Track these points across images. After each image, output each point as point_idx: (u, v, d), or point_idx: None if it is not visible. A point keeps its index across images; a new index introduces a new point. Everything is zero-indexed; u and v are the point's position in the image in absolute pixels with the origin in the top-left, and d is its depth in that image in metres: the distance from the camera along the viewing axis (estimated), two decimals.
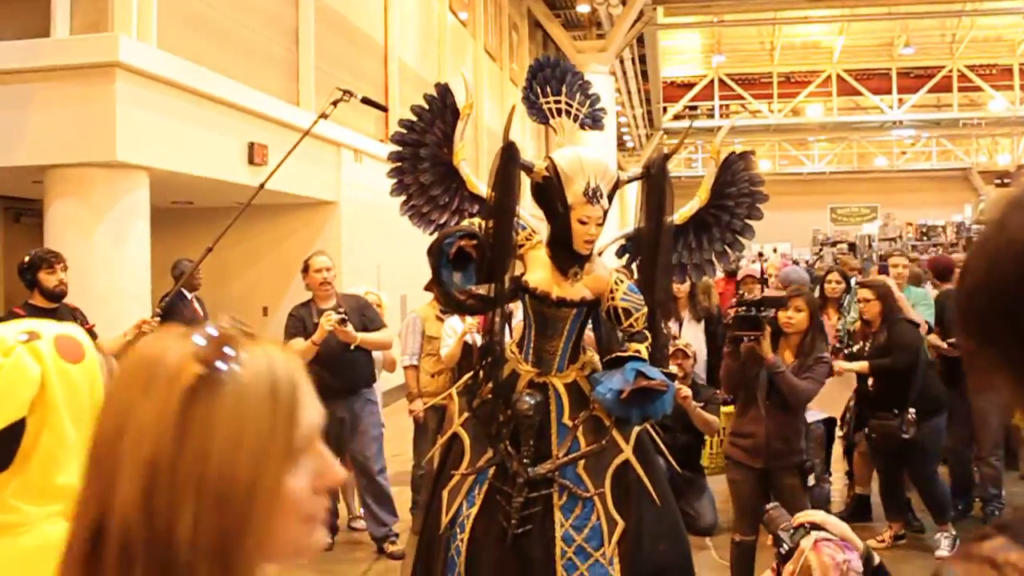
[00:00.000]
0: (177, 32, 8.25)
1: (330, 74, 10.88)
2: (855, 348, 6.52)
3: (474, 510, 3.95)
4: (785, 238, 31.46)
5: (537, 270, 4.05)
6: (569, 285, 4.01)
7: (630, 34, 20.31)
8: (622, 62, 22.76)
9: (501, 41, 20.57)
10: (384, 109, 5.84)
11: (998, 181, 20.69)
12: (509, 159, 3.89)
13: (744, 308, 5.20)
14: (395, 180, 4.43)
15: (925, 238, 19.70)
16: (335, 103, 4.94)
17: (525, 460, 3.90)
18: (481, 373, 4.11)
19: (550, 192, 3.96)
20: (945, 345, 6.72)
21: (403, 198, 4.43)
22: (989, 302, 0.99)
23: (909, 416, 6.04)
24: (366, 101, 5.75)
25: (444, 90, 4.32)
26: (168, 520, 0.90)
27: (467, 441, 4.08)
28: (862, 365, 6.21)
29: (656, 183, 4.03)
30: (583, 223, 3.88)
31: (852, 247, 21.40)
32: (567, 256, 4.00)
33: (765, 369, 5.18)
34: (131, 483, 0.91)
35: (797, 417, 5.39)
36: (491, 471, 3.97)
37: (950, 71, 30.96)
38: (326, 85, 9.87)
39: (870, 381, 6.31)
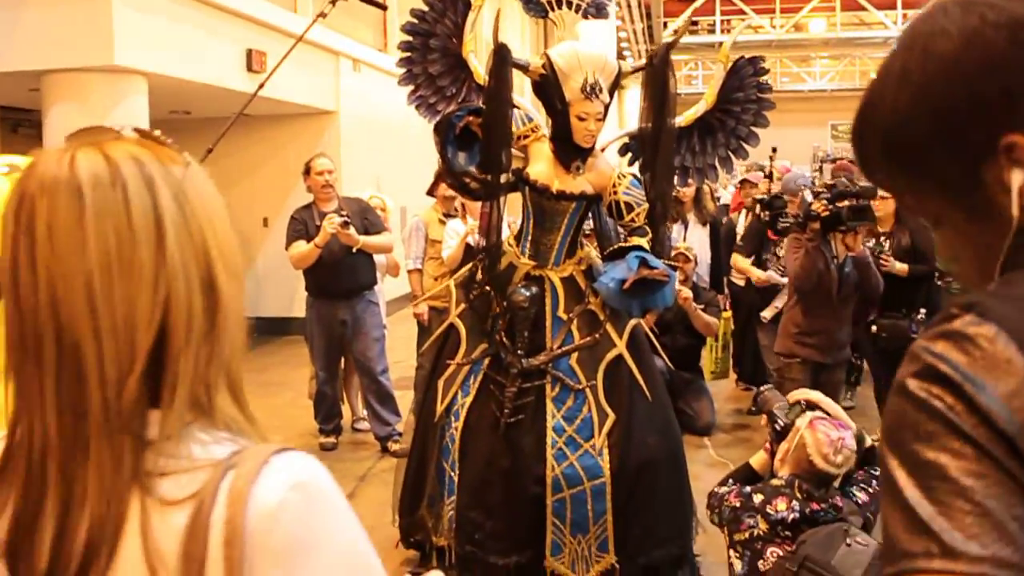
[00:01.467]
0: None
1: None
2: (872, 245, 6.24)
3: (469, 399, 4.03)
4: (785, 155, 31.26)
5: (539, 163, 4.05)
6: (571, 179, 4.02)
7: None
8: None
9: None
10: (383, 7, 5.76)
11: None
12: (501, 60, 3.85)
13: (851, 199, 5.17)
14: (404, 70, 4.40)
15: None
16: (333, 1, 4.87)
17: (519, 351, 3.94)
18: (479, 266, 4.13)
19: (548, 89, 3.94)
20: None
21: (410, 88, 4.41)
22: (931, 125, 0.96)
23: (919, 316, 6.04)
24: None
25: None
26: None
27: (463, 332, 4.13)
28: (903, 267, 6.05)
29: (658, 73, 3.98)
30: (582, 119, 3.88)
31: (852, 163, 21.33)
32: (569, 150, 4.00)
33: (858, 262, 5.29)
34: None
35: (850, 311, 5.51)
36: (486, 361, 4.04)
37: None
38: None
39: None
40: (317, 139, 11.01)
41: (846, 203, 5.14)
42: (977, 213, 0.97)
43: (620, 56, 26.70)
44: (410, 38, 4.36)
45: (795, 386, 5.31)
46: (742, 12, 31.58)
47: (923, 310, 6.07)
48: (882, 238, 6.21)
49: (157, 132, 1.04)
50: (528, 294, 3.95)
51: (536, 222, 4.07)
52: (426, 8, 4.30)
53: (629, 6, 26.09)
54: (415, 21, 4.31)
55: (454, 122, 3.83)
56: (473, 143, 3.91)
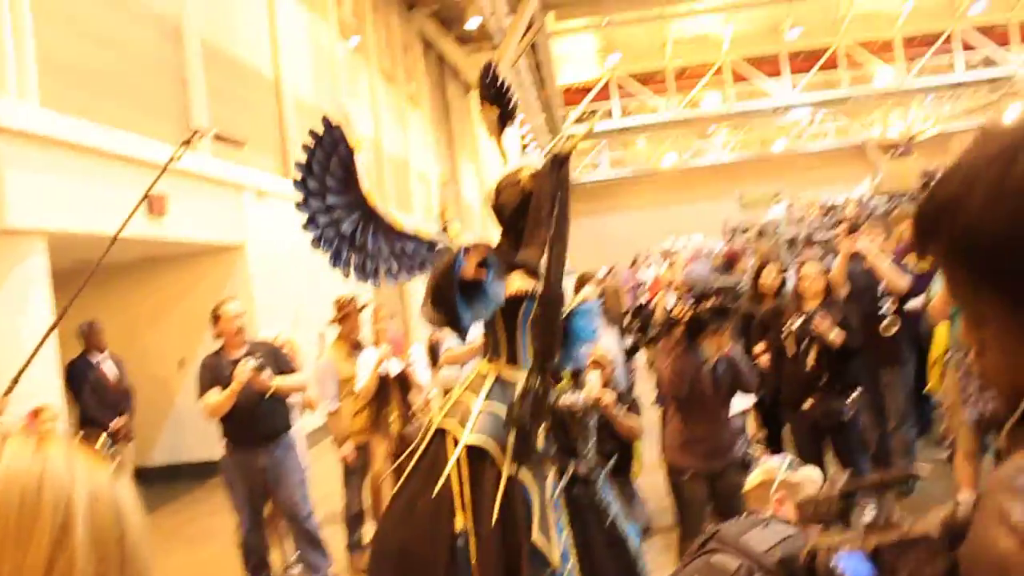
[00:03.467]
0: (59, 88, 8.05)
1: (222, 115, 10.73)
2: (796, 324, 6.27)
3: (565, 534, 3.88)
4: (697, 229, 31.88)
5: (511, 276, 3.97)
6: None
7: (522, 43, 20.41)
8: (518, 72, 22.86)
9: (395, 63, 20.50)
10: (241, 145, 5.72)
11: (891, 153, 21.24)
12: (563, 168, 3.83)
13: (711, 299, 5.15)
14: (314, 235, 4.14)
15: (829, 216, 20.11)
16: (186, 143, 4.83)
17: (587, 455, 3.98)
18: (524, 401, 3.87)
19: (526, 204, 3.92)
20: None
21: (330, 252, 4.17)
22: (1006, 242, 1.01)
23: (853, 395, 6.08)
24: (220, 138, 5.65)
25: (328, 125, 4.09)
26: None
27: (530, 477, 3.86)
28: (838, 334, 6.02)
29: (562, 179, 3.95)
30: None
31: (761, 232, 21.77)
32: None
33: (730, 360, 5.21)
34: None
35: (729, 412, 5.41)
36: (559, 486, 3.93)
37: (837, 49, 31.72)
38: (220, 125, 9.73)
39: (809, 360, 6.16)
40: (227, 273, 10.92)
41: (707, 304, 5.12)
42: None
43: (523, 150, 27.11)
44: (304, 200, 4.14)
45: (696, 504, 5.23)
46: (638, 95, 32.40)
47: (855, 390, 6.14)
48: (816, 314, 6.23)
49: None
50: (576, 399, 3.93)
51: (521, 330, 4.00)
52: (312, 144, 4.07)
53: (528, 101, 26.60)
54: (301, 178, 4.10)
55: (456, 274, 3.63)
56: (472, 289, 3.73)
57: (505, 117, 4.18)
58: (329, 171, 4.01)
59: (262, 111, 12.42)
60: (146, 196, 4.82)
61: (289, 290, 11.63)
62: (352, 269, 4.08)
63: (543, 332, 3.80)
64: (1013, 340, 1.07)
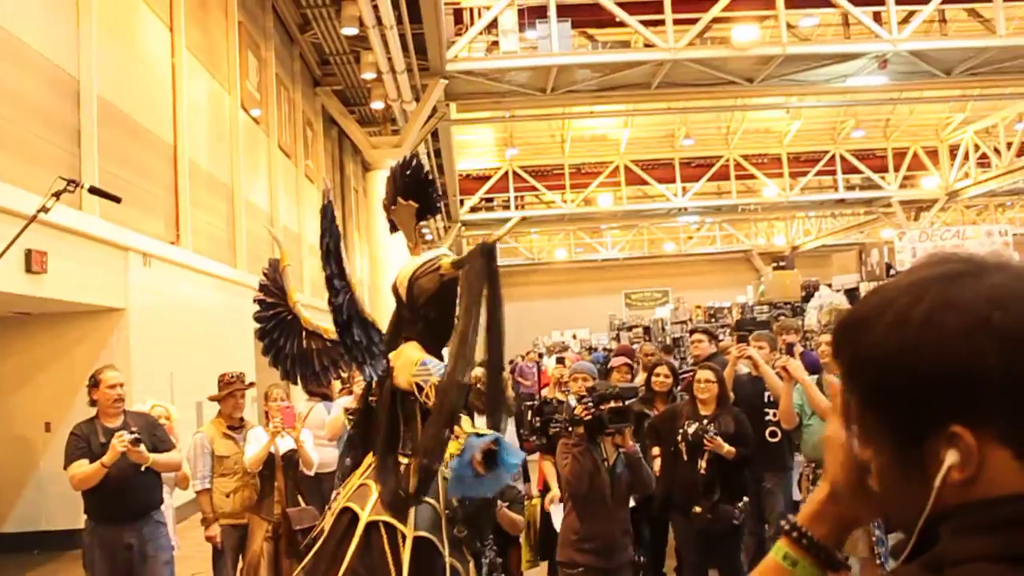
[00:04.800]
0: None
1: (115, 175, 10.48)
2: (691, 429, 6.33)
3: None
4: (584, 323, 32.28)
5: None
6: None
7: (424, 129, 20.60)
8: (417, 156, 23.03)
9: (296, 138, 20.45)
10: (116, 200, 5.61)
11: (775, 263, 21.99)
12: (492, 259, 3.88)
13: (612, 401, 5.23)
14: (270, 358, 4.40)
15: (713, 319, 20.61)
16: (57, 194, 4.72)
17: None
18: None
19: (451, 292, 3.99)
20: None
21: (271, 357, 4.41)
22: (908, 377, 1.07)
23: (742, 503, 6.16)
24: (95, 191, 5.51)
25: (273, 265, 4.43)
26: None
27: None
28: (730, 449, 6.11)
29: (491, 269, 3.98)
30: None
31: (647, 331, 22.14)
32: (437, 348, 4.04)
33: (629, 459, 5.28)
34: None
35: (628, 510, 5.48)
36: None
37: (727, 160, 32.88)
38: (111, 187, 9.49)
39: (701, 465, 6.20)
40: (105, 337, 10.55)
41: (607, 406, 5.21)
42: (910, 466, 1.10)
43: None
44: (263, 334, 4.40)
45: None
46: (534, 188, 32.90)
47: (745, 498, 6.22)
48: (705, 421, 6.28)
49: None
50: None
51: (421, 419, 3.98)
52: (266, 281, 4.37)
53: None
54: (261, 300, 4.38)
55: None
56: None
57: (425, 210, 4.23)
58: (274, 292, 4.44)
59: (156, 174, 12.18)
60: (8, 247, 4.65)
61: (168, 358, 11.30)
62: (283, 371, 4.35)
63: (433, 423, 3.82)
64: (898, 474, 1.13)
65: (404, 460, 3.93)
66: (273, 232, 4.60)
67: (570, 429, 5.37)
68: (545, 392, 8.10)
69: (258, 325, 4.39)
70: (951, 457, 1.05)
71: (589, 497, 5.28)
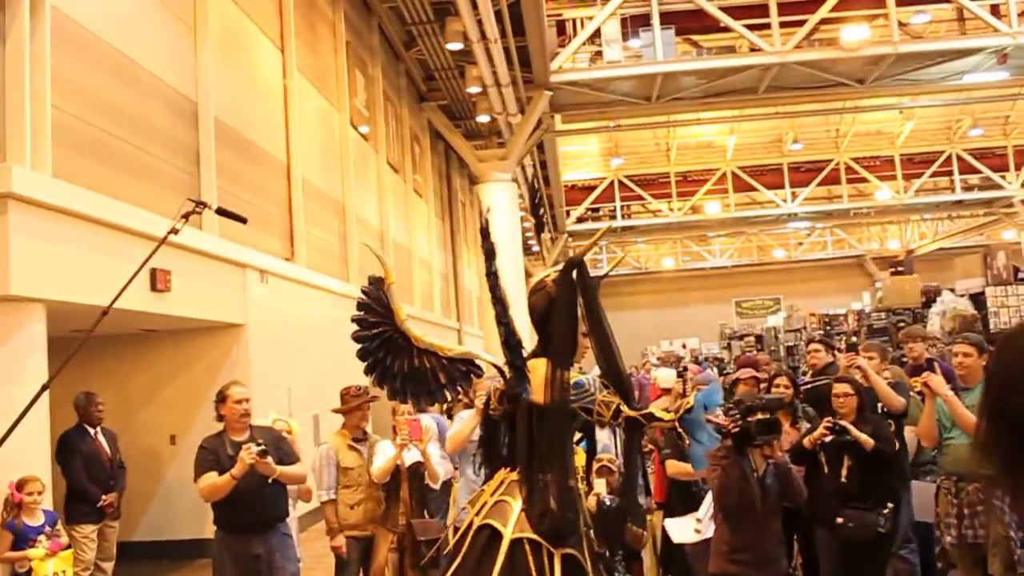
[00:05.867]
0: (73, 159, 8.07)
1: (232, 194, 10.77)
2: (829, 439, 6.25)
3: None
4: (693, 333, 31.93)
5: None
6: None
7: (530, 142, 20.66)
8: (523, 168, 23.11)
9: (403, 153, 20.74)
10: (243, 220, 5.71)
11: (892, 268, 21.38)
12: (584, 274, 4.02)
13: (759, 413, 5.28)
14: (376, 377, 4.41)
15: (828, 327, 20.14)
16: (186, 216, 4.82)
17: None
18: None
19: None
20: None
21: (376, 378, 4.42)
22: None
23: (886, 510, 6.02)
24: (221, 212, 5.60)
25: (376, 283, 4.36)
26: None
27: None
28: (868, 439, 6.02)
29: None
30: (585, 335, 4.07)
31: (759, 339, 21.75)
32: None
33: (779, 470, 5.34)
34: None
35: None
36: None
37: (837, 164, 32.17)
38: (229, 206, 9.75)
39: (844, 473, 6.13)
40: (225, 353, 10.82)
41: (754, 418, 5.23)
42: None
43: (526, 247, 27.32)
44: (366, 350, 4.39)
45: None
46: (640, 197, 32.71)
47: (890, 504, 6.06)
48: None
49: None
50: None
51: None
52: (366, 299, 4.34)
53: (532, 197, 26.85)
54: (360, 331, 4.36)
55: None
56: None
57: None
58: (377, 310, 4.36)
59: (271, 193, 12.48)
60: (142, 267, 4.78)
61: (285, 372, 11.53)
62: (391, 390, 4.29)
63: (543, 441, 3.84)
64: None
65: (543, 476, 3.91)
66: (375, 250, 4.56)
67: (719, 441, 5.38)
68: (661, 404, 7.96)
69: (360, 345, 4.36)
70: None
71: (739, 508, 5.29)
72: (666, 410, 4.04)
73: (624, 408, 3.91)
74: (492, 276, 4.13)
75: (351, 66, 16.58)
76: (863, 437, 6.05)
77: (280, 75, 13.15)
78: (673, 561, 7.12)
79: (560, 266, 4.16)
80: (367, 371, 4.34)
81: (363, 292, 4.36)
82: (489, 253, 4.18)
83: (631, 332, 32.96)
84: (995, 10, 18.79)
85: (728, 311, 35.08)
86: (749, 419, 5.24)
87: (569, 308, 3.92)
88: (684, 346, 26.81)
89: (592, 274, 4.18)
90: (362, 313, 4.32)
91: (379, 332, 4.30)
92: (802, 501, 5.55)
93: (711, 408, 3.84)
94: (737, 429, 5.27)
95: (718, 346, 24.74)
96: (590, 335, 4.04)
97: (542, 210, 28.41)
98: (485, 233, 4.21)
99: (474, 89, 18.16)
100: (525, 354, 4.00)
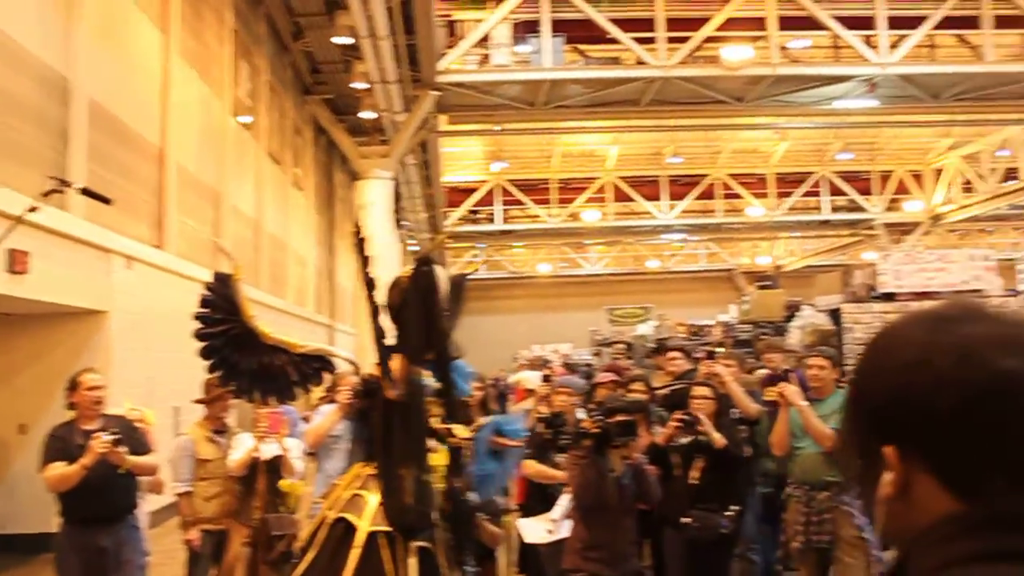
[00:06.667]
0: None
1: (101, 176, 10.44)
2: (683, 441, 6.46)
3: None
4: (566, 338, 32.29)
5: None
6: None
7: (413, 141, 20.62)
8: (404, 167, 23.04)
9: (285, 145, 20.45)
10: (107, 201, 5.61)
11: (759, 282, 22.05)
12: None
13: (619, 414, 5.40)
14: (222, 375, 4.35)
15: (696, 337, 20.63)
16: (46, 194, 4.72)
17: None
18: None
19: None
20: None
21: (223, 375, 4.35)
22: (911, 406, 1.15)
23: (730, 512, 6.22)
24: (85, 192, 5.49)
25: (223, 279, 4.33)
26: None
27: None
28: (720, 438, 6.25)
29: (460, 293, 4.23)
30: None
31: (629, 347, 22.12)
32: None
33: (635, 471, 5.46)
34: None
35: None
36: None
37: (714, 179, 33.00)
38: (97, 187, 9.45)
39: (694, 475, 6.31)
40: (86, 341, 10.49)
41: (615, 419, 5.36)
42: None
43: (404, 244, 27.23)
44: (208, 350, 4.32)
45: None
46: (521, 202, 32.93)
47: (735, 506, 6.28)
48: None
49: None
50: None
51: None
52: (205, 311, 4.29)
53: (412, 197, 26.79)
54: (203, 327, 4.29)
55: None
56: None
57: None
58: (223, 307, 4.31)
59: (143, 177, 12.15)
60: None
61: (148, 363, 11.24)
62: (238, 388, 4.34)
63: (396, 436, 3.89)
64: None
65: (398, 471, 3.94)
66: (223, 245, 4.53)
67: (579, 441, 5.53)
68: (522, 406, 8.10)
69: (203, 343, 4.29)
70: (887, 475, 1.18)
71: (595, 507, 5.42)
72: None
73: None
74: (366, 274, 4.14)
75: (236, 54, 16.28)
76: (715, 435, 6.27)
77: (160, 58, 12.82)
78: (528, 561, 7.23)
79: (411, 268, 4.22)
80: (211, 369, 4.29)
81: (208, 289, 4.30)
82: (361, 251, 4.20)
83: (505, 336, 33.24)
84: (868, 40, 19.57)
85: (600, 318, 35.60)
86: (609, 420, 5.37)
87: (418, 305, 3.96)
88: (557, 351, 27.08)
89: (459, 276, 4.26)
90: (206, 310, 4.26)
91: (225, 329, 4.25)
92: (657, 501, 5.69)
93: (510, 434, 3.91)
94: (598, 430, 5.39)
95: (589, 352, 25.09)
96: (428, 328, 4.06)
97: (402, 210, 28.28)
98: (358, 231, 4.23)
99: (360, 85, 18.04)
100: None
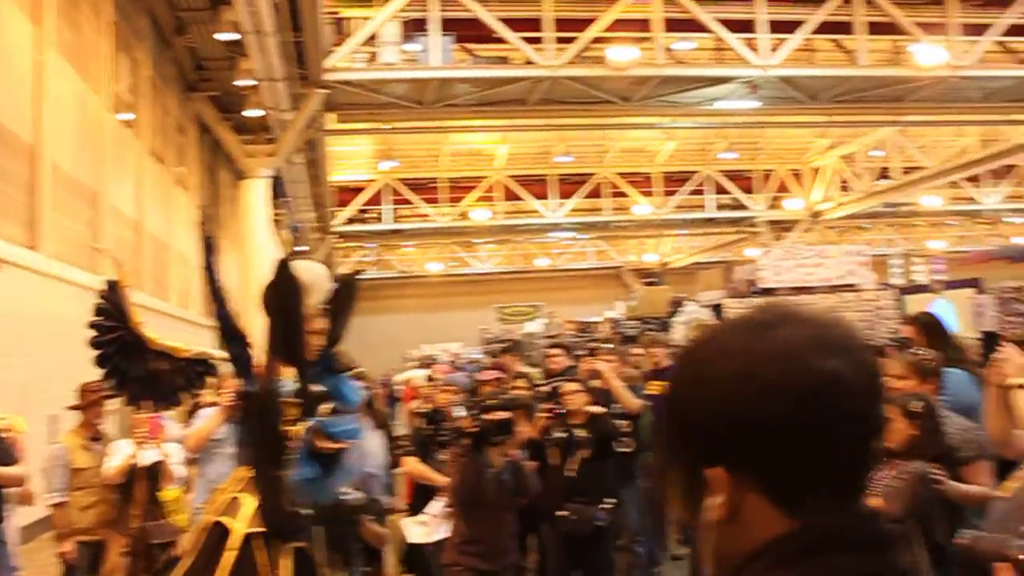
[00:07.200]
0: None
1: None
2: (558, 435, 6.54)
3: None
4: (456, 337, 32.30)
5: None
6: None
7: (300, 139, 20.36)
8: (292, 166, 22.72)
9: (167, 143, 19.94)
10: None
11: (645, 279, 22.46)
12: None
13: (496, 411, 5.49)
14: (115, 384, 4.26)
15: (584, 334, 20.88)
16: None
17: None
18: None
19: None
20: None
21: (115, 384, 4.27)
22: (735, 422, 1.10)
23: (608, 505, 6.30)
24: None
25: (112, 286, 4.23)
26: None
27: None
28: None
29: (349, 293, 4.17)
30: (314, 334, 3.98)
31: (517, 344, 22.26)
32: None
33: (513, 467, 5.53)
34: None
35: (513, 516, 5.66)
36: None
37: (602, 178, 33.41)
38: None
39: (571, 468, 6.36)
40: None
41: (491, 417, 5.44)
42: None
43: (290, 244, 26.81)
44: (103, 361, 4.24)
45: None
46: (407, 201, 32.80)
47: (611, 500, 6.37)
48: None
49: None
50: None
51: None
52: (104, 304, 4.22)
53: (299, 196, 26.44)
54: (99, 324, 4.21)
55: None
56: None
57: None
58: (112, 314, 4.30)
59: (14, 176, 11.69)
60: None
61: (21, 369, 10.82)
62: (129, 395, 4.37)
63: (257, 438, 3.88)
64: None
65: (272, 471, 3.90)
66: (109, 251, 4.47)
67: (458, 439, 5.61)
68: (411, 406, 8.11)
69: (97, 352, 4.21)
70: (714, 498, 1.12)
71: (473, 503, 5.51)
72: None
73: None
74: (208, 269, 4.10)
75: (116, 48, 15.80)
76: (595, 409, 6.39)
77: (33, 51, 12.36)
78: (414, 560, 7.23)
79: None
80: (106, 377, 4.22)
81: (101, 297, 4.23)
82: (207, 246, 4.18)
83: (396, 336, 33.10)
84: (750, 43, 20.07)
85: (490, 316, 35.72)
86: (485, 419, 5.45)
87: (277, 304, 3.92)
88: (446, 350, 27.08)
89: (348, 275, 4.24)
90: (100, 318, 4.18)
91: (116, 337, 4.18)
92: (534, 496, 5.79)
93: (338, 436, 3.88)
94: (475, 428, 5.52)
95: (479, 351, 25.19)
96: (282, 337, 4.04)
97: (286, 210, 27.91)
98: (203, 226, 4.25)
99: (246, 82, 17.72)
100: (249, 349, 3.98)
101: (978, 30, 20.57)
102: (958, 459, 4.70)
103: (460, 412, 5.65)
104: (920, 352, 5.33)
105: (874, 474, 4.65)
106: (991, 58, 21.63)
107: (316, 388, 4.00)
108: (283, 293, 3.91)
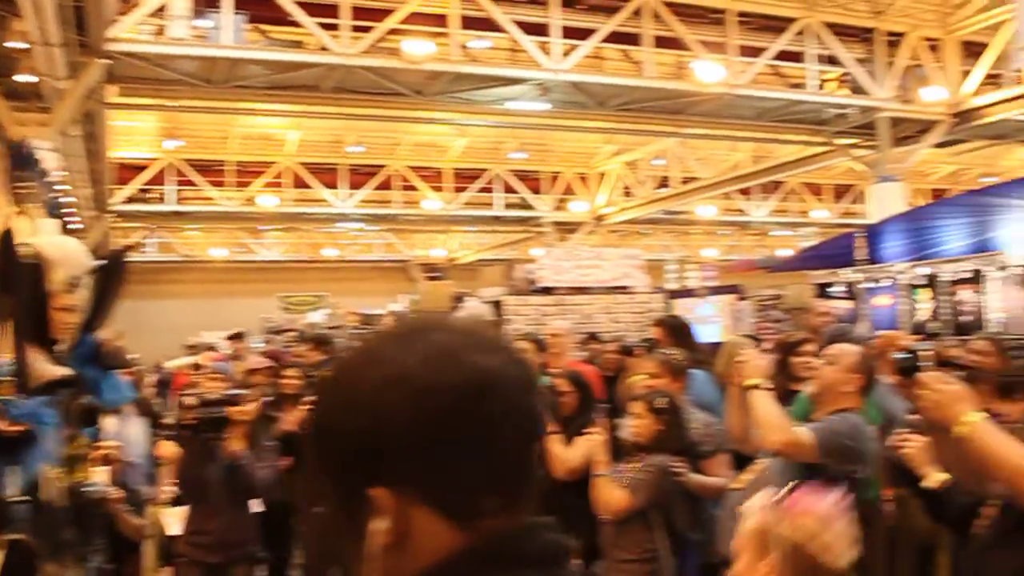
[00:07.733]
0: None
1: None
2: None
3: None
4: (239, 325, 31.52)
5: None
6: None
7: (77, 110, 19.36)
8: (67, 139, 21.58)
9: None
10: None
11: (429, 274, 22.69)
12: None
13: (211, 408, 5.42)
14: None
15: (367, 326, 20.89)
16: None
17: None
18: None
19: (25, 277, 3.77)
20: None
21: None
22: (403, 439, 1.04)
23: None
24: None
25: None
26: None
27: None
28: None
29: (116, 272, 4.15)
30: (65, 311, 3.87)
31: (300, 334, 22.05)
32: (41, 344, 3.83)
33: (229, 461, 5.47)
34: None
35: (249, 510, 5.69)
36: None
37: (393, 171, 33.42)
38: None
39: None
40: None
41: (206, 412, 5.42)
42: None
43: (64, 219, 25.41)
44: None
45: None
46: (192, 183, 31.79)
47: None
48: None
49: None
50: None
51: None
52: None
53: (75, 171, 25.12)
54: None
55: None
56: None
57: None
58: None
59: None
60: None
61: None
62: None
63: None
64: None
65: None
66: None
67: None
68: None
69: None
70: (378, 523, 1.04)
71: (197, 496, 5.57)
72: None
73: None
74: None
75: None
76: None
77: None
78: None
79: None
80: None
81: None
82: None
83: (175, 321, 31.95)
84: (544, 47, 20.58)
85: (273, 305, 35.14)
86: (201, 414, 5.43)
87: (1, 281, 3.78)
88: (227, 338, 26.45)
89: (114, 253, 4.15)
90: None
91: None
92: (261, 495, 5.79)
93: (22, 419, 3.79)
94: (193, 422, 5.50)
95: (262, 340, 24.77)
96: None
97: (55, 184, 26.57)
98: None
99: (18, 44, 16.71)
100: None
101: (754, 52, 21.91)
102: (699, 453, 5.11)
103: (191, 402, 5.52)
104: (670, 352, 5.75)
105: (619, 467, 4.98)
106: (764, 79, 23.08)
107: (61, 370, 3.82)
108: (5, 268, 3.77)
